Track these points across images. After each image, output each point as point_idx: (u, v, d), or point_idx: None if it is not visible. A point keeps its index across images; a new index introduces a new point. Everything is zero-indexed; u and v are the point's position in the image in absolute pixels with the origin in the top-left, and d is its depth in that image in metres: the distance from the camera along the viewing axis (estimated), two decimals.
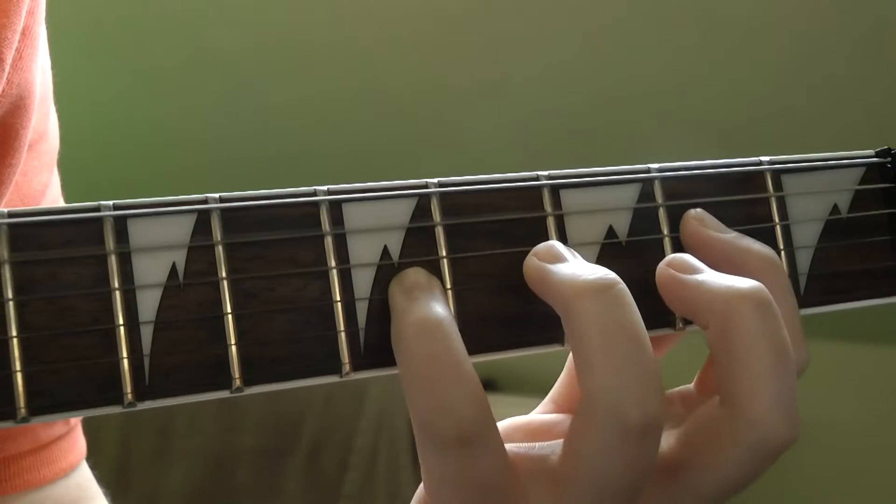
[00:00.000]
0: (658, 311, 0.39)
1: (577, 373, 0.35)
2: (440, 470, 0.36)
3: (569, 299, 0.35)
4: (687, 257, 0.39)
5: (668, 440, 0.38)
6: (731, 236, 0.41)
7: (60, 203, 0.57)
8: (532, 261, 0.38)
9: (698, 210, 0.41)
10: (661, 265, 0.39)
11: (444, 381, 0.34)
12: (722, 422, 0.37)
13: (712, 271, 0.38)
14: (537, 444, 0.38)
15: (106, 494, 0.61)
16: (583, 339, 0.35)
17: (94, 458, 0.62)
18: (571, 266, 0.37)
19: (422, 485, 0.38)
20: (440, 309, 0.36)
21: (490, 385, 1.57)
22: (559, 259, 0.37)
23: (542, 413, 0.44)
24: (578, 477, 0.36)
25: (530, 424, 0.43)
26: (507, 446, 0.37)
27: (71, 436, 0.58)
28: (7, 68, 0.47)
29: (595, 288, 0.35)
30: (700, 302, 0.37)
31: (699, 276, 0.38)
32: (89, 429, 0.62)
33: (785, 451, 0.37)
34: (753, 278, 0.38)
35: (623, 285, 0.35)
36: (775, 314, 0.36)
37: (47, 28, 0.53)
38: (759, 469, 0.37)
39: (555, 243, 0.38)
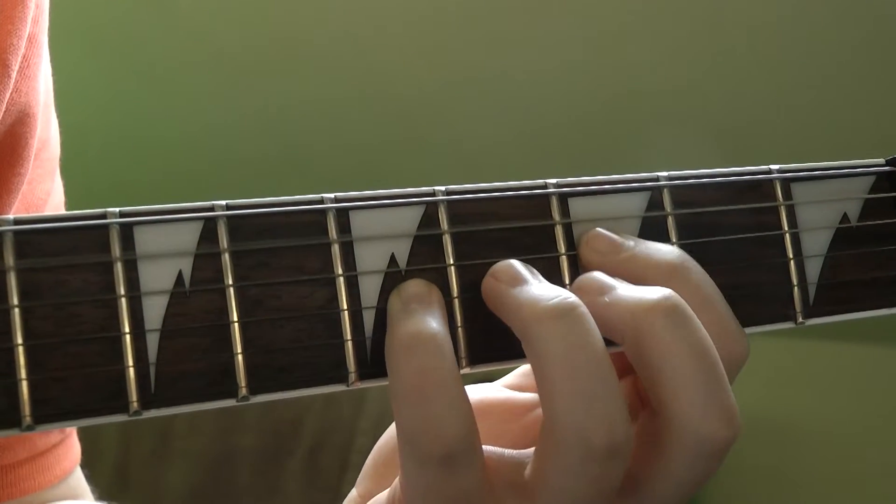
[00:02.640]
0: None
1: (539, 396, 0.35)
2: (421, 483, 0.36)
3: (527, 324, 0.35)
4: (596, 276, 0.38)
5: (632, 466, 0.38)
6: (627, 255, 0.39)
7: (63, 208, 0.57)
8: (489, 282, 0.37)
9: (591, 233, 0.40)
10: (573, 289, 0.38)
11: (433, 398, 0.34)
12: (660, 431, 0.37)
13: (623, 286, 0.37)
14: (507, 452, 0.38)
15: (99, 497, 0.61)
16: (544, 364, 0.35)
17: (94, 459, 0.62)
18: (530, 289, 0.36)
19: (397, 479, 0.38)
20: (434, 324, 0.35)
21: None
22: (518, 281, 0.37)
23: (517, 383, 0.44)
24: (546, 495, 0.36)
25: (506, 403, 0.43)
26: (483, 448, 0.37)
27: (66, 442, 0.58)
28: (14, 75, 0.47)
29: (555, 312, 0.35)
30: (611, 321, 0.37)
31: (607, 298, 0.37)
32: (89, 430, 0.62)
33: (729, 446, 0.36)
34: (664, 286, 0.37)
35: (584, 308, 0.35)
36: (685, 318, 0.36)
37: (48, 31, 0.53)
38: (708, 469, 0.37)
39: (514, 263, 0.37)
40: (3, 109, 0.48)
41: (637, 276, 0.39)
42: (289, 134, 1.69)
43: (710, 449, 0.36)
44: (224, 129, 1.72)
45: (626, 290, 0.37)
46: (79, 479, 0.61)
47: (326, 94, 1.65)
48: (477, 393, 0.43)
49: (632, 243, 0.40)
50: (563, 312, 0.35)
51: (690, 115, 1.50)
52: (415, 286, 0.37)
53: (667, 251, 0.39)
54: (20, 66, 0.48)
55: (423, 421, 0.34)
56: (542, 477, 0.36)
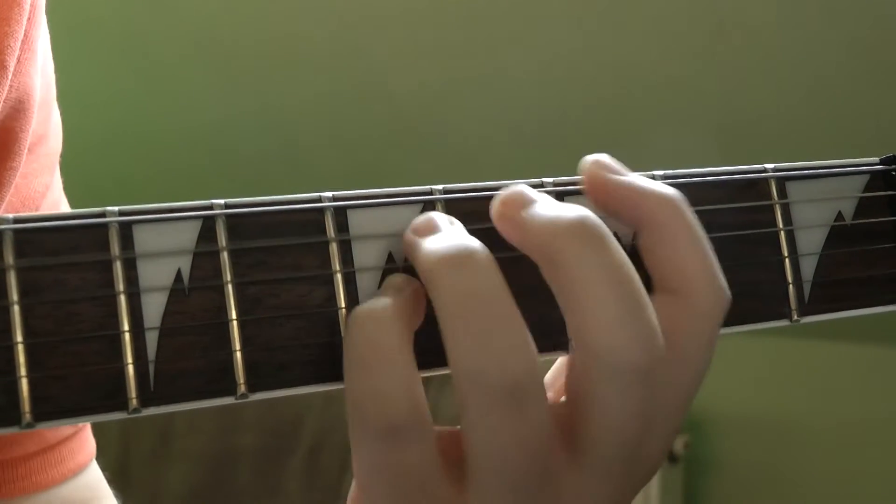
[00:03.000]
0: None
1: (445, 348, 0.35)
2: (367, 457, 0.35)
3: (425, 273, 0.35)
4: (520, 189, 0.37)
5: (562, 406, 0.38)
6: (629, 178, 0.39)
7: (62, 205, 0.58)
8: (406, 234, 0.37)
9: (601, 155, 0.40)
10: (495, 202, 0.37)
11: (377, 370, 0.34)
12: (579, 363, 0.36)
13: (540, 204, 0.37)
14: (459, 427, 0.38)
15: (116, 496, 0.61)
16: (440, 311, 0.35)
17: (95, 454, 0.62)
18: (435, 239, 0.36)
19: (353, 480, 0.38)
20: (388, 302, 0.35)
21: None
22: (432, 231, 0.37)
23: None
24: (473, 456, 0.35)
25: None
26: (438, 429, 0.36)
27: (79, 436, 0.58)
28: (10, 75, 0.48)
29: (447, 259, 0.35)
30: (525, 241, 0.36)
31: (524, 213, 0.37)
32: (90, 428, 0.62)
33: (649, 370, 0.35)
34: (653, 221, 0.38)
35: (479, 253, 0.35)
36: (597, 240, 0.35)
37: (49, 28, 0.53)
38: (635, 397, 0.35)
39: (433, 215, 0.37)
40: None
41: (632, 201, 0.39)
42: (287, 132, 1.70)
43: (626, 372, 0.35)
44: (223, 127, 1.72)
45: (541, 207, 0.37)
46: (96, 474, 0.60)
47: (325, 93, 1.65)
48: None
49: (635, 174, 0.40)
50: (453, 258, 0.35)
51: (687, 114, 1.50)
52: (394, 277, 0.37)
53: (666, 187, 0.39)
54: (14, 65, 0.48)
55: (367, 391, 0.34)
56: (465, 438, 0.35)
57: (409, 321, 0.36)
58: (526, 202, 0.37)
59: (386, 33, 1.60)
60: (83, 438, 0.59)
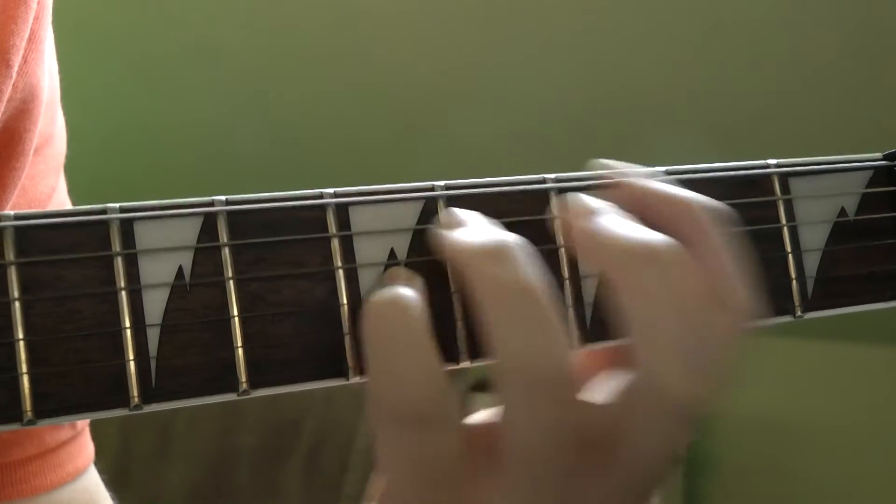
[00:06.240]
0: None
1: (486, 339, 0.35)
2: (392, 448, 0.35)
3: (465, 264, 0.36)
4: (582, 197, 0.38)
5: (599, 418, 0.37)
6: (664, 186, 0.40)
7: (67, 206, 0.57)
8: (433, 229, 0.38)
9: (637, 167, 0.41)
10: (560, 210, 0.38)
11: (400, 357, 0.34)
12: (632, 386, 0.36)
13: (609, 217, 0.37)
14: (488, 413, 0.38)
15: (113, 499, 0.61)
16: (480, 303, 0.35)
17: (94, 458, 0.62)
18: (472, 231, 0.36)
19: (374, 473, 0.38)
20: (409, 291, 0.35)
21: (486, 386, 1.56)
22: (457, 225, 0.37)
23: None
24: (506, 446, 0.35)
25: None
26: (468, 420, 0.37)
27: (78, 440, 0.58)
28: (14, 74, 0.47)
29: (492, 250, 0.35)
30: (593, 255, 0.37)
31: (590, 225, 0.37)
32: (89, 428, 0.62)
33: (696, 409, 0.36)
34: (696, 228, 0.37)
35: (514, 244, 0.35)
36: (677, 266, 0.35)
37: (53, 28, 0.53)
38: (673, 430, 0.36)
39: (453, 210, 0.38)
40: (2, 108, 0.48)
41: (674, 210, 0.39)
42: (288, 130, 1.70)
43: (671, 403, 0.36)
44: (224, 125, 1.72)
45: (611, 222, 0.37)
46: (95, 478, 0.60)
47: (325, 91, 1.65)
48: None
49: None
50: (491, 250, 0.35)
51: (686, 113, 1.50)
52: (396, 270, 0.37)
53: (701, 197, 0.39)
54: (20, 64, 0.48)
55: (392, 378, 0.34)
56: (505, 429, 0.35)
57: (426, 309, 0.36)
58: (594, 211, 0.37)
59: (387, 32, 1.60)
60: (82, 442, 0.59)
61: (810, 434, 1.73)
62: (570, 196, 0.39)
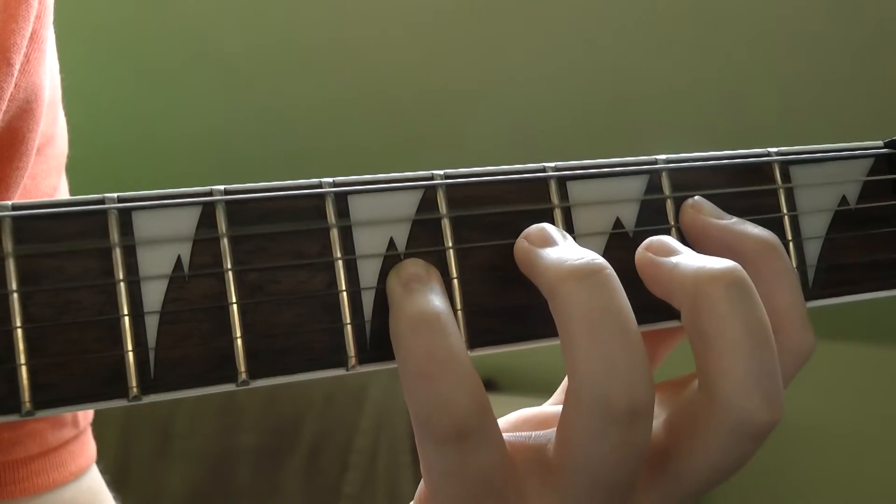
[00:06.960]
0: (664, 301, 0.39)
1: (564, 358, 0.35)
2: (439, 465, 0.35)
3: (554, 284, 0.35)
4: (665, 239, 0.38)
5: (657, 430, 0.38)
6: (729, 222, 0.40)
7: None
8: (522, 243, 0.37)
9: (696, 198, 0.41)
10: (640, 248, 0.39)
11: (442, 376, 0.34)
12: (701, 406, 0.36)
13: (690, 253, 0.37)
14: (534, 434, 0.38)
15: (116, 498, 0.61)
16: (568, 325, 0.35)
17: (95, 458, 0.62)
18: (559, 250, 0.36)
19: (423, 481, 0.38)
20: (438, 302, 0.35)
21: (490, 385, 1.56)
22: (549, 242, 0.37)
23: (554, 404, 0.44)
24: (570, 466, 0.35)
25: (538, 416, 0.43)
26: (506, 436, 0.37)
27: (80, 439, 0.58)
28: (16, 73, 0.47)
29: (581, 273, 0.35)
30: (673, 284, 0.37)
31: (674, 259, 0.37)
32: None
33: (768, 432, 0.36)
34: (751, 263, 0.38)
35: (610, 270, 0.35)
36: (747, 294, 0.36)
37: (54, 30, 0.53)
38: (745, 452, 0.37)
39: (546, 226, 0.38)
40: (4, 107, 0.48)
41: (732, 245, 0.39)
42: (290, 134, 1.69)
43: (747, 431, 0.36)
44: (226, 130, 1.72)
45: (692, 256, 0.37)
46: (97, 478, 0.60)
47: (327, 96, 1.65)
48: (516, 412, 0.43)
49: (733, 217, 0.41)
50: (588, 273, 0.35)
51: (687, 115, 1.50)
52: (413, 266, 0.37)
53: (764, 230, 0.40)
54: (21, 63, 0.48)
55: (434, 400, 0.34)
56: (565, 448, 0.35)
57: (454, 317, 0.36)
58: (672, 250, 0.38)
59: (388, 37, 1.60)
60: (84, 442, 0.59)
61: (811, 434, 1.73)
62: (652, 240, 0.39)
